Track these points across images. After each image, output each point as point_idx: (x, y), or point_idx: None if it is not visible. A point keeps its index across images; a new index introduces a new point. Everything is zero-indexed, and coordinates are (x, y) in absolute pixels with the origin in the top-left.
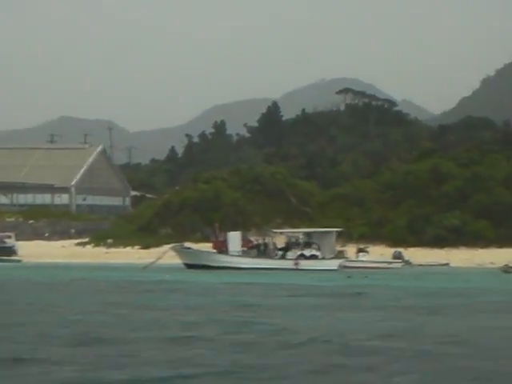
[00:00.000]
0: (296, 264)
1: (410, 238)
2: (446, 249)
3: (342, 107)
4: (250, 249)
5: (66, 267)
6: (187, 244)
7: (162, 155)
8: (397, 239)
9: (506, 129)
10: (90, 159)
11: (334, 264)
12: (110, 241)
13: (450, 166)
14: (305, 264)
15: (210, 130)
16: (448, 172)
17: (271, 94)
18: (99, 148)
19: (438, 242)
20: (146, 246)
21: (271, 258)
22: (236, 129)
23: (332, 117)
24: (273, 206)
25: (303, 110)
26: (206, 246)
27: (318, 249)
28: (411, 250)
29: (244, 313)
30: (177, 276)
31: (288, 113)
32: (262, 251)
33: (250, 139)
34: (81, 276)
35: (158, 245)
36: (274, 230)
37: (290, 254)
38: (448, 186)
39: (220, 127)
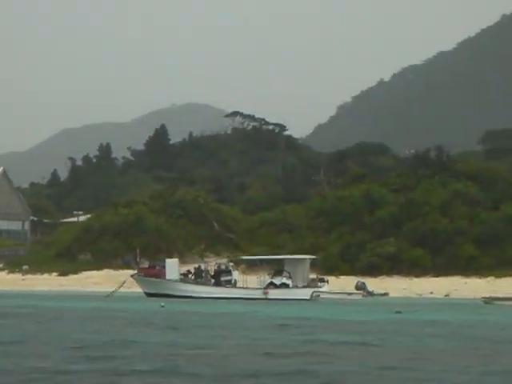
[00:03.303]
0: (265, 293)
1: (343, 266)
2: (379, 277)
3: (229, 131)
4: (184, 276)
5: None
6: None
7: (29, 179)
8: (329, 267)
9: (441, 154)
10: None
11: (306, 293)
12: (25, 267)
13: (383, 192)
14: (275, 293)
15: (94, 152)
16: (381, 198)
17: (121, 119)
18: (0, 170)
19: (372, 270)
20: (64, 273)
21: (207, 285)
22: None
23: (221, 140)
24: (196, 232)
25: (190, 133)
26: (128, 274)
27: (290, 277)
28: (344, 277)
29: None
30: (173, 305)
31: (142, 137)
32: (200, 278)
33: (136, 163)
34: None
35: (76, 271)
36: (244, 257)
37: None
38: (382, 212)
39: (105, 150)
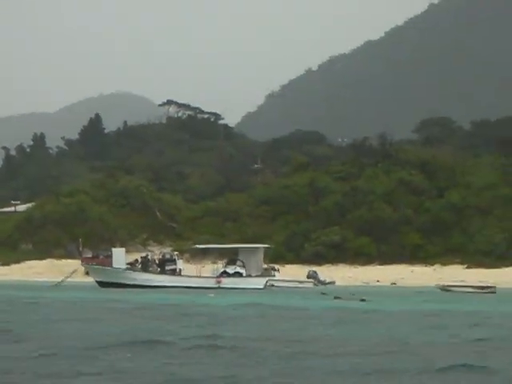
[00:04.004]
0: (218, 282)
1: (288, 255)
2: (325, 266)
3: (164, 120)
4: (131, 265)
5: None
6: None
7: None
8: (274, 255)
9: (384, 142)
10: None
11: (259, 282)
12: None
13: (327, 181)
14: (228, 282)
15: (26, 142)
16: (325, 186)
17: (47, 109)
18: None
19: (317, 259)
20: (5, 263)
21: (153, 273)
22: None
23: (156, 130)
24: (138, 221)
25: (125, 122)
26: (71, 264)
27: (243, 266)
28: (289, 266)
29: None
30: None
31: (71, 126)
32: (147, 267)
33: (70, 152)
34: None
35: (18, 261)
36: (198, 246)
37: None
38: (326, 201)
39: (39, 140)
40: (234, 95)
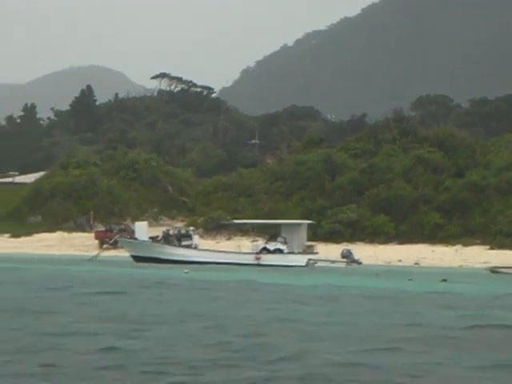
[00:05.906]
0: (257, 259)
1: None
2: (342, 244)
3: (156, 93)
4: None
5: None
6: None
7: None
8: None
9: (401, 119)
10: None
11: (301, 260)
12: None
13: (343, 157)
14: (267, 259)
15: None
16: (341, 163)
17: (16, 80)
18: None
19: (333, 237)
20: (15, 235)
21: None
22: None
23: (147, 103)
24: (149, 195)
25: (116, 94)
26: (82, 237)
27: (285, 242)
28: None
29: None
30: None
31: (44, 97)
32: (168, 242)
33: (60, 123)
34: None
35: (28, 234)
36: (235, 221)
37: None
38: (343, 178)
39: (30, 111)
40: (210, 70)
